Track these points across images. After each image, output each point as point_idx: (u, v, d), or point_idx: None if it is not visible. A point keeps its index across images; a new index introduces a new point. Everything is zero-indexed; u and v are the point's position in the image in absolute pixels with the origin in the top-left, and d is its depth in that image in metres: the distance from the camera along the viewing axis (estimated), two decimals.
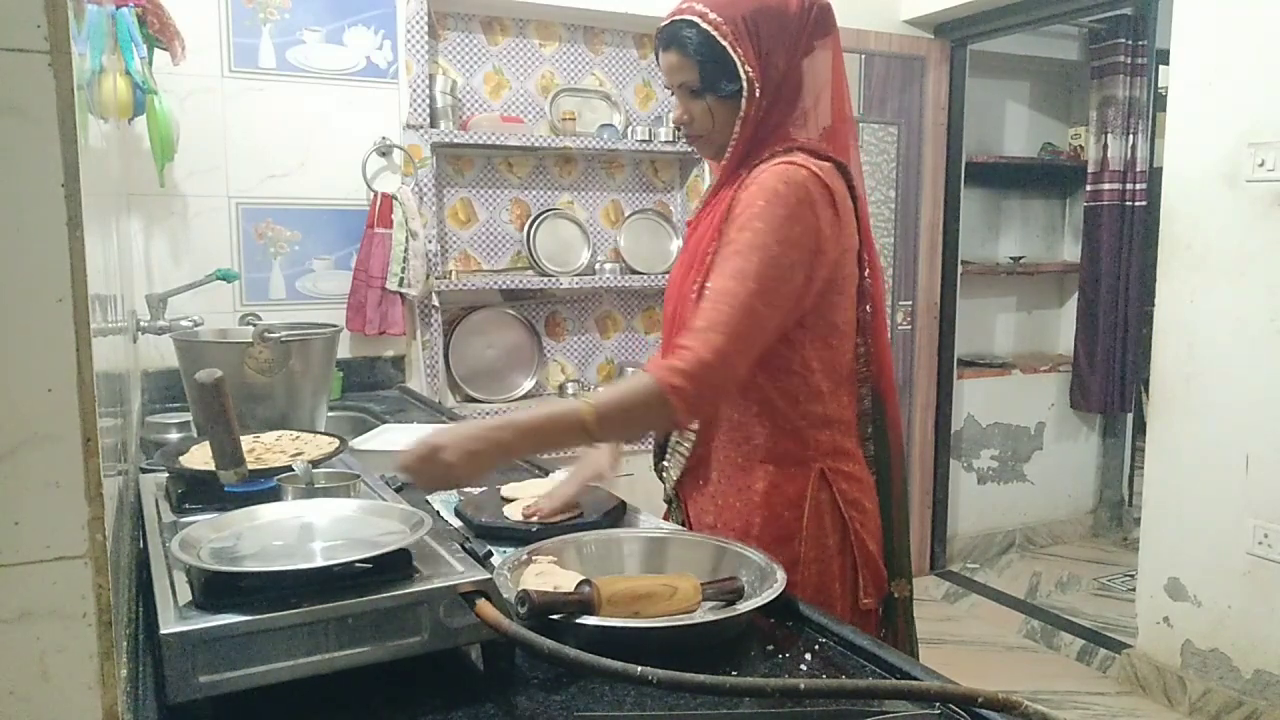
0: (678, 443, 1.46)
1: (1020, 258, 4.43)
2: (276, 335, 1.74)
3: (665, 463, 1.50)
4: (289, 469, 1.22)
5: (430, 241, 2.87)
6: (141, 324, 2.06)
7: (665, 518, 1.52)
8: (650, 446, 1.54)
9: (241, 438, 1.19)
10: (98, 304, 0.72)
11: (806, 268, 1.27)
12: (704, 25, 1.30)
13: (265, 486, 1.20)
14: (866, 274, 1.39)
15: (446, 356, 3.05)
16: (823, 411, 1.36)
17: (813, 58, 1.37)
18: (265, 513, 1.03)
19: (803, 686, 0.81)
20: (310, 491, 1.16)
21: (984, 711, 0.82)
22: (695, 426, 1.42)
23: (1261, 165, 2.58)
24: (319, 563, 0.89)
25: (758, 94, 1.31)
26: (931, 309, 3.91)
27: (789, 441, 1.36)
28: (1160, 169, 2.91)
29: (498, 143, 2.94)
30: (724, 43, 1.29)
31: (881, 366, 1.42)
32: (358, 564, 0.89)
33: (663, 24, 1.36)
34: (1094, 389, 4.22)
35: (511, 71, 3.13)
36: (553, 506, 1.38)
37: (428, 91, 2.89)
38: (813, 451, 1.36)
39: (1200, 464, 2.78)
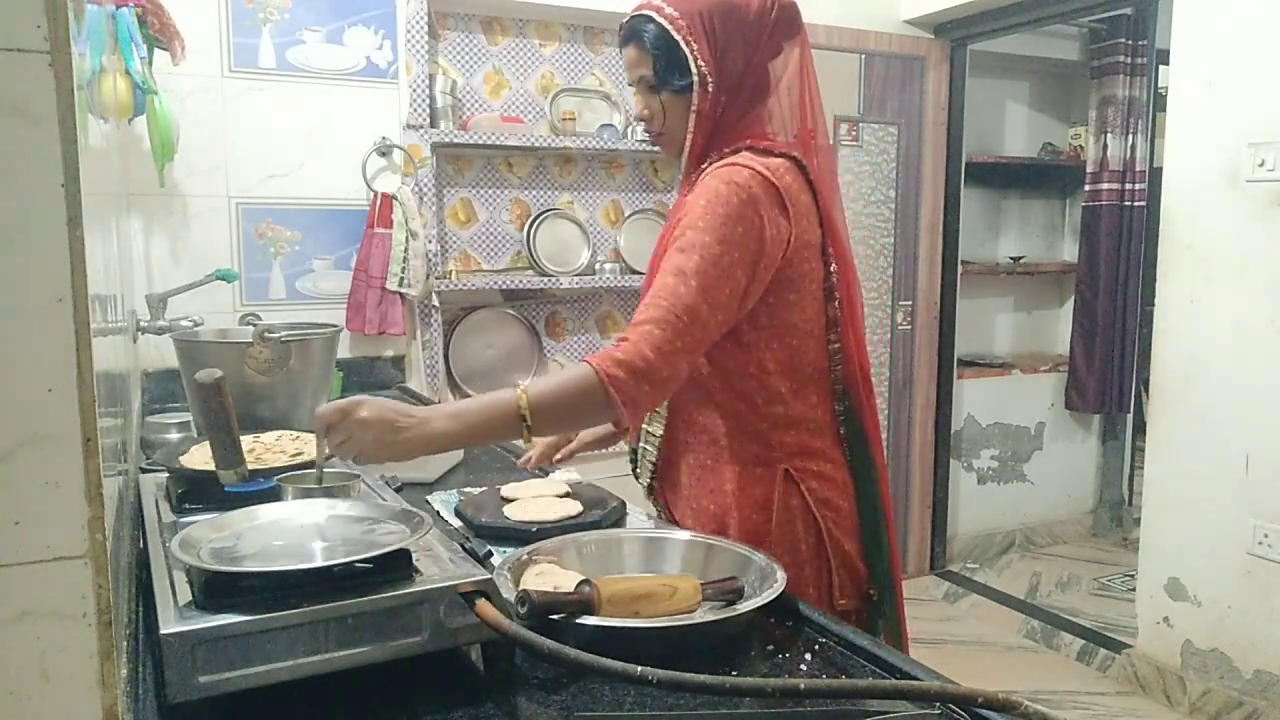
0: (645, 449, 1.46)
1: (1020, 258, 4.43)
2: (276, 335, 1.74)
3: (638, 469, 1.50)
4: (291, 468, 1.22)
5: (430, 241, 2.87)
6: (141, 324, 2.06)
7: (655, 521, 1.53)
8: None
9: (241, 438, 1.19)
10: (98, 304, 0.72)
11: (749, 267, 1.26)
12: (659, 19, 1.31)
13: (265, 486, 1.20)
14: (833, 269, 1.36)
15: (446, 356, 3.05)
16: (785, 412, 1.35)
17: (782, 59, 1.37)
18: (265, 513, 1.03)
19: (803, 686, 0.81)
20: (310, 491, 1.16)
21: (984, 711, 0.82)
22: (658, 433, 1.42)
23: (1261, 165, 2.58)
24: (319, 563, 0.89)
25: (710, 88, 1.31)
26: (931, 309, 3.91)
27: (753, 443, 1.36)
28: (1160, 169, 2.91)
29: (498, 143, 2.94)
30: (677, 37, 1.30)
31: (852, 364, 1.38)
32: (358, 564, 0.89)
33: (624, 20, 1.37)
34: (1090, 389, 4.21)
35: (511, 71, 3.13)
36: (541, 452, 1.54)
37: (428, 91, 2.89)
38: (777, 452, 1.35)
39: (1200, 464, 2.77)
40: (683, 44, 1.30)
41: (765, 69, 1.36)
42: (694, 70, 1.30)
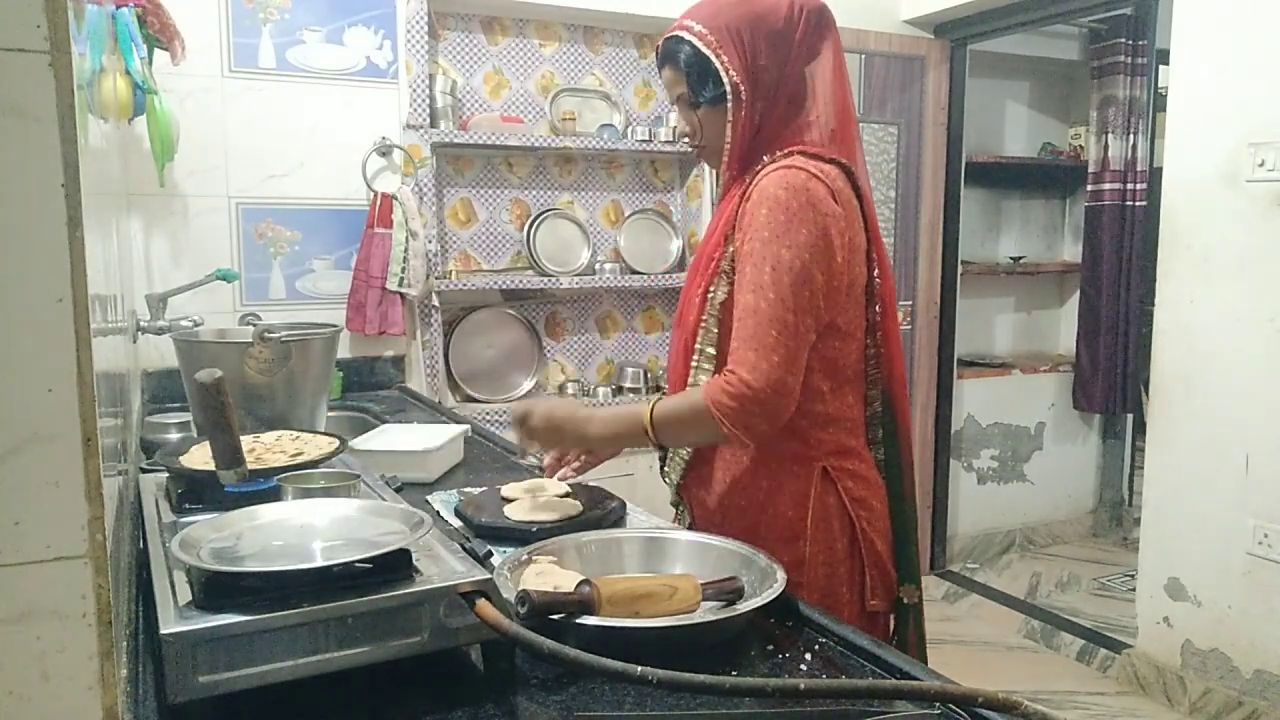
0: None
1: (1020, 258, 4.43)
2: (276, 335, 1.74)
3: (666, 466, 1.50)
4: (291, 468, 1.21)
5: (430, 241, 2.87)
6: (141, 324, 2.06)
7: (675, 520, 1.53)
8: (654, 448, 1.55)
9: (241, 438, 1.19)
10: (98, 304, 0.72)
11: (823, 264, 1.28)
12: (689, 37, 1.35)
13: (265, 486, 1.20)
14: (876, 274, 1.39)
15: (446, 356, 3.05)
16: (824, 410, 1.36)
17: (815, 62, 1.38)
18: (265, 513, 1.03)
19: (803, 686, 0.81)
20: (310, 491, 1.16)
21: (984, 711, 0.82)
22: None
23: (1261, 165, 2.58)
24: (319, 563, 0.89)
25: (744, 98, 1.34)
26: (931, 309, 3.91)
27: (792, 441, 1.36)
28: (1160, 169, 2.91)
29: (498, 143, 2.94)
30: (707, 51, 1.34)
31: (892, 368, 1.41)
32: (358, 564, 0.89)
33: (658, 44, 1.43)
34: (1096, 389, 4.21)
35: (511, 71, 3.13)
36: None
37: (428, 91, 2.89)
38: (815, 450, 1.36)
39: (1200, 464, 2.77)
40: (713, 57, 1.33)
41: (802, 75, 1.37)
42: (726, 82, 1.34)
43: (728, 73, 1.33)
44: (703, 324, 1.37)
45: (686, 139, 1.45)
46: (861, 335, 1.39)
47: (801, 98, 1.38)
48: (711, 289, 1.36)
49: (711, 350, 1.36)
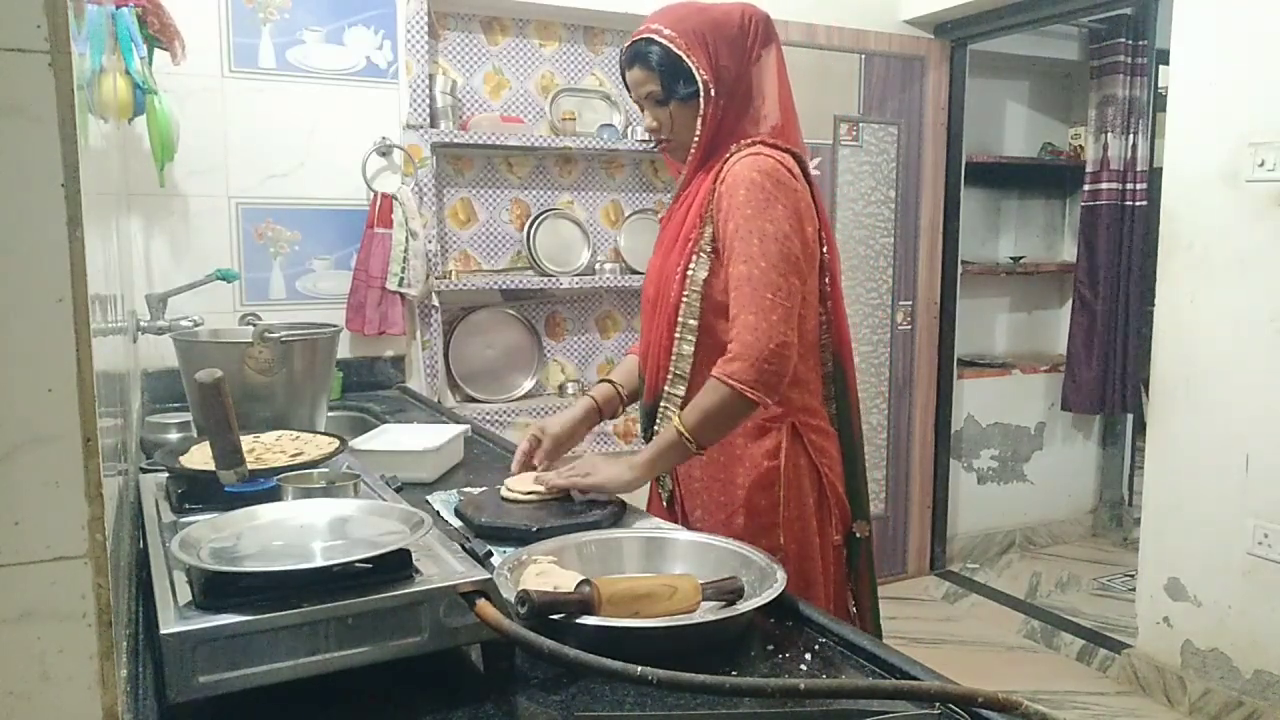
0: (665, 409, 1.55)
1: (1020, 258, 4.43)
2: (276, 335, 1.74)
3: (655, 429, 1.58)
4: (291, 468, 1.21)
5: (430, 241, 2.87)
6: (141, 324, 2.06)
7: (655, 482, 1.64)
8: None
9: (241, 438, 1.19)
10: (98, 304, 0.72)
11: (799, 234, 1.44)
12: (661, 40, 1.48)
13: (265, 486, 1.20)
14: (825, 250, 1.55)
15: (446, 356, 3.05)
16: (793, 372, 1.49)
17: (759, 65, 1.53)
18: (265, 513, 1.03)
19: (803, 686, 0.81)
20: (310, 491, 1.16)
21: (984, 711, 0.82)
22: (680, 394, 1.53)
23: (1261, 165, 2.58)
24: (319, 563, 0.89)
25: (713, 94, 1.48)
26: (931, 309, 3.90)
27: None
28: (1160, 169, 2.91)
29: (498, 143, 2.94)
30: (680, 53, 1.47)
31: (840, 333, 1.58)
32: (358, 564, 0.89)
33: (625, 46, 1.54)
34: (1088, 389, 4.20)
35: (511, 71, 3.13)
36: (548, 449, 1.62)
37: (428, 91, 2.89)
38: (785, 409, 1.51)
39: (1200, 464, 2.77)
40: (685, 57, 1.47)
41: (750, 75, 1.53)
42: (698, 79, 1.47)
43: (698, 71, 1.46)
44: (684, 299, 1.50)
45: (651, 134, 1.57)
46: (817, 304, 1.55)
47: (751, 96, 1.53)
48: (691, 266, 1.49)
49: (694, 322, 1.50)
